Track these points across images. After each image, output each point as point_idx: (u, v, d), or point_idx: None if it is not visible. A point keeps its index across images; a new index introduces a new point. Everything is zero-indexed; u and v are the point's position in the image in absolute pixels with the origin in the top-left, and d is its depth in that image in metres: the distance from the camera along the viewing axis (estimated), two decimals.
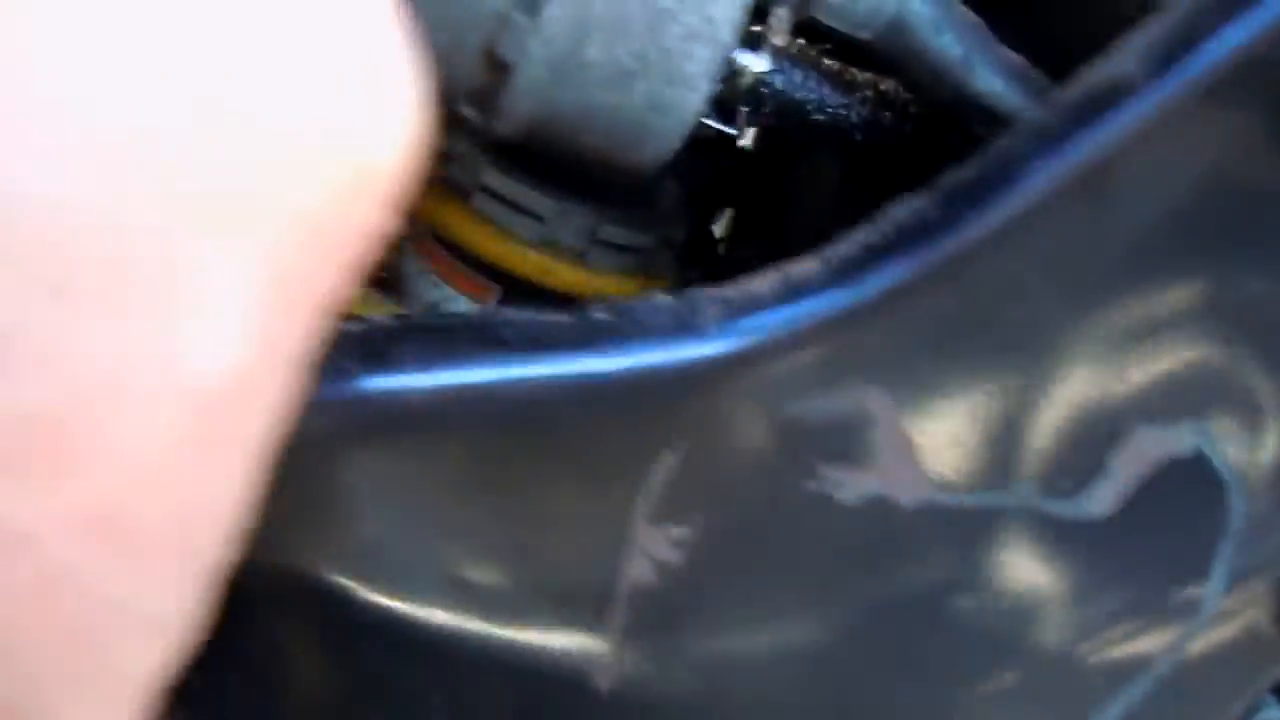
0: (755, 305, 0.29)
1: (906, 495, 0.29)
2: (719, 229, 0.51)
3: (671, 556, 0.30)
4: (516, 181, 0.39)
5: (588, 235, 0.40)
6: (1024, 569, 0.31)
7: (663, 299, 0.30)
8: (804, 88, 0.35)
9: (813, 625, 0.31)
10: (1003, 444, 0.29)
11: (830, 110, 0.36)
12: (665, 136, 0.32)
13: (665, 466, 0.29)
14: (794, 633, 0.30)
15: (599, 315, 0.29)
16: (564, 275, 0.41)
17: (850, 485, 0.29)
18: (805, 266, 0.30)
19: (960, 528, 0.30)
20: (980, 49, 0.34)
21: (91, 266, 0.15)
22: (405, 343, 0.29)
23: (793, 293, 0.30)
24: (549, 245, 0.39)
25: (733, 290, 0.30)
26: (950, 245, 0.29)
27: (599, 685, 0.30)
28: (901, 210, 0.30)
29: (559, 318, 0.30)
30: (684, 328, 0.29)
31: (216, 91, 0.16)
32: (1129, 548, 0.31)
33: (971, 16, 0.34)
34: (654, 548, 0.30)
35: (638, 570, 0.30)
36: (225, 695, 0.31)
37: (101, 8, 0.15)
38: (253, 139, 0.16)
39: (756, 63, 0.33)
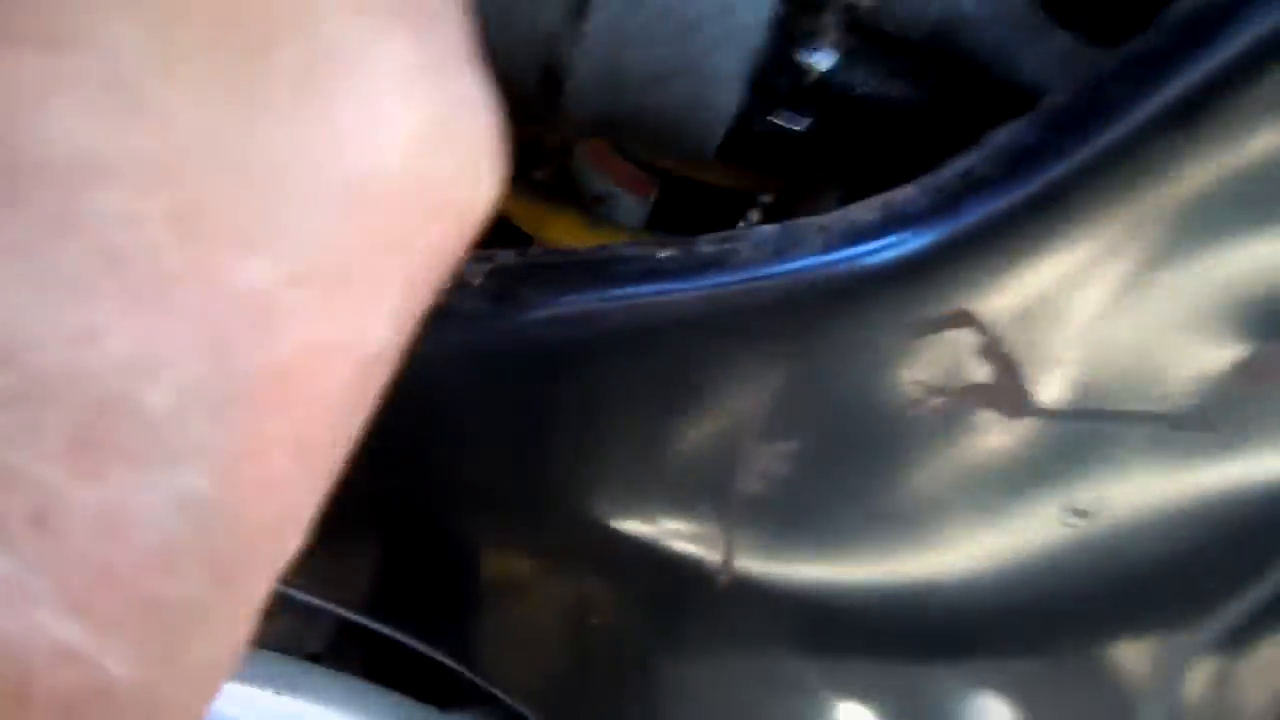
0: (857, 233, 0.31)
1: (1014, 415, 0.31)
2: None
3: (779, 468, 0.32)
4: None
5: None
6: (1144, 491, 0.32)
7: (766, 228, 0.31)
8: (870, 81, 0.36)
9: (905, 517, 0.33)
10: (1110, 364, 0.30)
11: (898, 100, 0.36)
12: (705, 132, 0.34)
13: (771, 387, 0.31)
14: (896, 548, 0.32)
15: (704, 248, 0.31)
16: (717, 171, 0.43)
17: (955, 406, 0.30)
18: (905, 193, 0.30)
19: (1071, 449, 0.31)
20: (1030, 40, 0.33)
21: None
22: (529, 281, 0.32)
23: (894, 219, 0.30)
24: None
25: (834, 218, 0.31)
26: (1052, 170, 0.29)
27: (717, 582, 0.33)
28: (1001, 136, 0.30)
29: (666, 251, 0.31)
30: (786, 257, 0.30)
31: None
32: (1242, 461, 0.32)
33: (1020, 6, 0.34)
34: (763, 461, 0.32)
35: (749, 481, 0.32)
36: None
37: None
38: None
39: (818, 60, 0.35)
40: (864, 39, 0.37)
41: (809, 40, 0.35)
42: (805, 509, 0.32)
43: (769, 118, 0.36)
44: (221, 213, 0.16)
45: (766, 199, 0.46)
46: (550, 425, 0.32)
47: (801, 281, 0.31)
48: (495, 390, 0.32)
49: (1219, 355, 0.30)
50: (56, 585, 0.16)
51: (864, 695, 0.34)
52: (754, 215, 0.46)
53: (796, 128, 0.38)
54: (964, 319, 0.30)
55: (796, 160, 0.45)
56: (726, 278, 0.31)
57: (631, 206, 0.48)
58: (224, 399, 0.17)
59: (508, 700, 0.34)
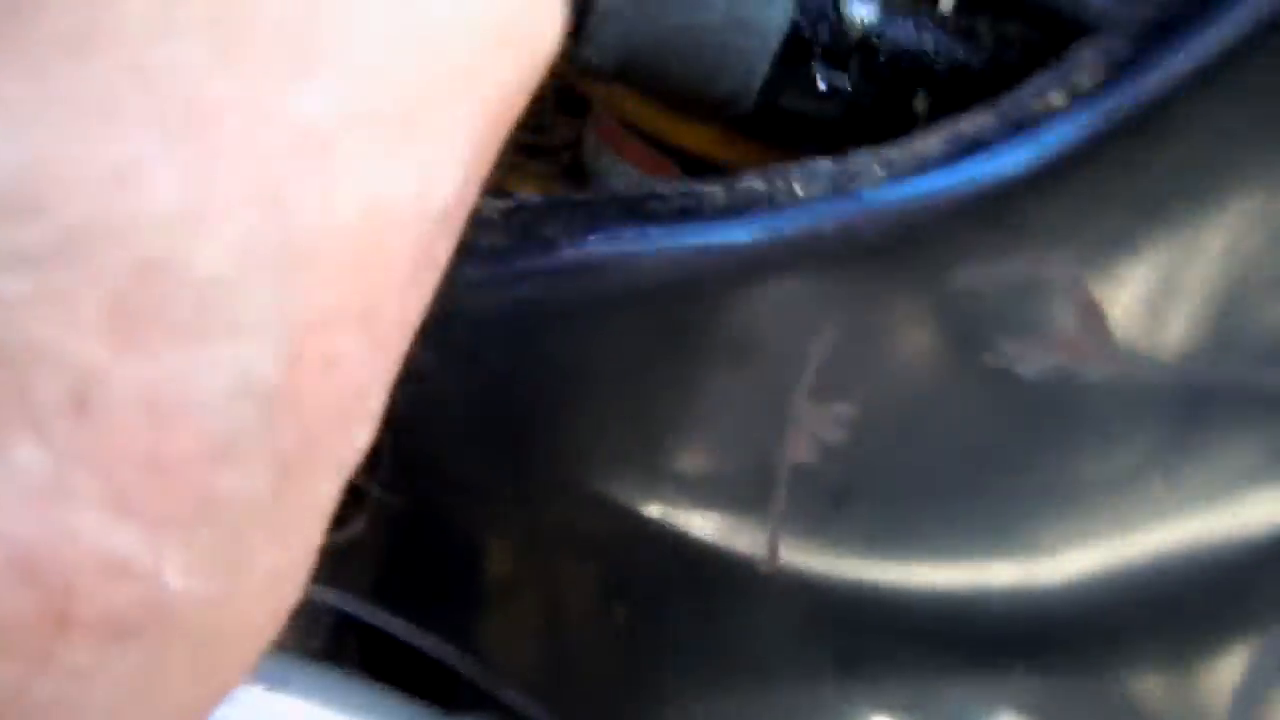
0: (923, 166, 0.27)
1: (1096, 369, 0.27)
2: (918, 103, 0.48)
3: (834, 435, 0.28)
4: None
5: None
6: (1237, 453, 0.28)
7: (821, 162, 0.28)
8: (919, 37, 0.33)
9: (984, 509, 0.29)
10: (1209, 309, 0.26)
11: (948, 57, 0.33)
12: (750, 58, 0.31)
13: (826, 340, 0.27)
14: (963, 517, 0.28)
15: (750, 183, 0.28)
16: (741, 148, 0.39)
17: (1030, 359, 0.27)
18: (978, 120, 0.27)
19: (1159, 406, 0.27)
20: None
21: None
22: (554, 219, 0.28)
23: (964, 150, 0.27)
24: None
25: (898, 150, 0.28)
26: (1146, 87, 0.26)
27: (761, 567, 0.29)
28: (1088, 52, 0.26)
29: (709, 187, 0.28)
30: (843, 193, 0.27)
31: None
32: None
33: None
34: (815, 425, 0.28)
35: (799, 449, 0.29)
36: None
37: None
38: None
39: (864, 12, 0.32)
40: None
41: None
42: (863, 487, 0.29)
43: (806, 75, 0.33)
44: (269, 27, 0.14)
45: None
46: (573, 387, 0.29)
47: (860, 218, 0.27)
48: (515, 340, 0.28)
49: None
50: (102, 481, 0.14)
51: (891, 707, 0.30)
52: None
53: (837, 87, 0.35)
54: (1043, 261, 0.26)
55: (829, 133, 0.42)
56: (777, 216, 0.28)
57: None
58: (284, 261, 0.15)
59: (510, 699, 0.30)
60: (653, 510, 0.29)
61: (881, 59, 0.33)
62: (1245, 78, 0.25)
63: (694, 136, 0.40)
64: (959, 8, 0.36)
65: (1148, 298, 0.26)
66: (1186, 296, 0.26)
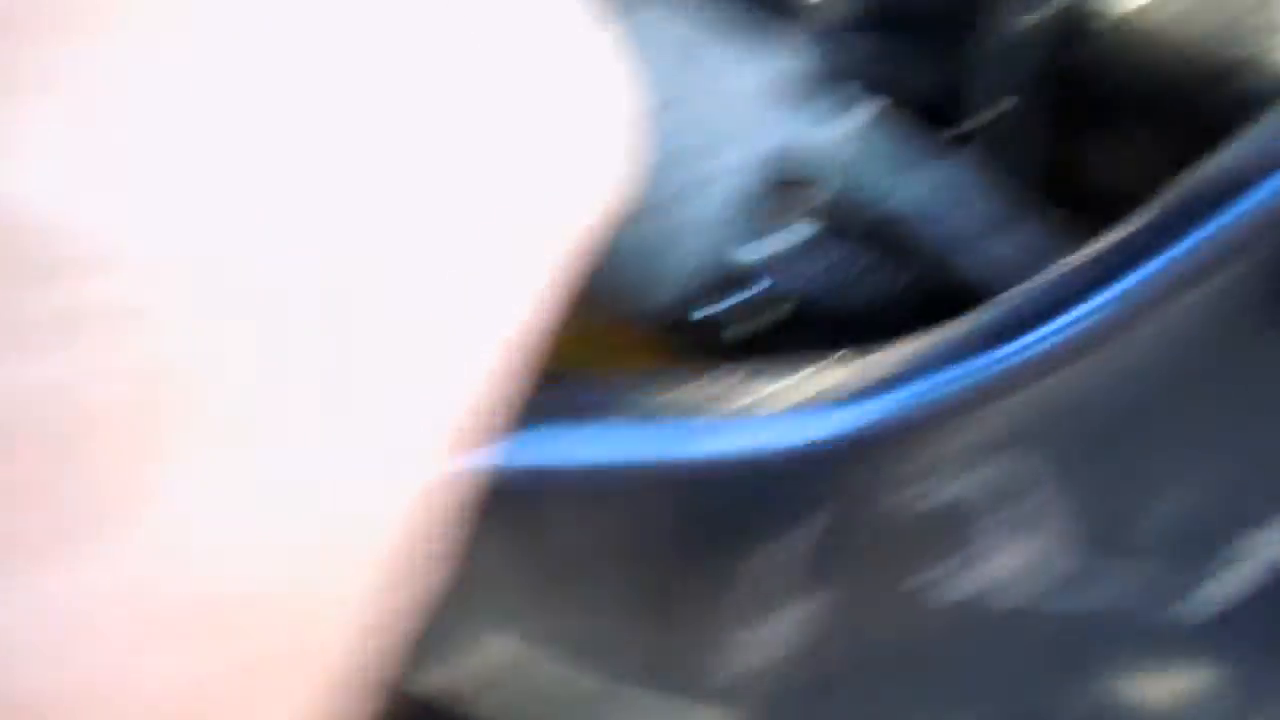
0: (838, 395, 0.27)
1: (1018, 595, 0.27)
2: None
3: (792, 639, 0.27)
4: None
5: None
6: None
7: (723, 381, 0.27)
8: (833, 272, 0.35)
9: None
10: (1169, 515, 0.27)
11: (864, 291, 0.35)
12: (666, 285, 0.31)
13: (780, 549, 0.26)
14: None
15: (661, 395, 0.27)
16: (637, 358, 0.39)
17: (951, 584, 0.27)
18: (950, 332, 0.28)
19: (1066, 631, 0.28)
20: (982, 235, 0.33)
21: None
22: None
23: (939, 359, 0.27)
24: None
25: (874, 357, 0.28)
26: (1083, 315, 0.27)
27: None
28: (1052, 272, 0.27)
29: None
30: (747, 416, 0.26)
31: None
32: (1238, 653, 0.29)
33: (977, 198, 0.33)
34: (772, 630, 0.27)
35: (755, 654, 0.27)
36: None
37: None
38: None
39: (774, 243, 0.33)
40: (826, 226, 0.36)
41: (774, 220, 0.34)
42: (818, 683, 0.28)
43: (714, 300, 0.34)
44: None
45: None
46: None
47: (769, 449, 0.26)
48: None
49: None
50: None
51: None
52: None
53: (741, 313, 0.35)
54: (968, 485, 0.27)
55: (730, 351, 0.42)
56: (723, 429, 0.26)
57: None
58: None
59: None
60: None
61: (777, 290, 0.34)
62: (1171, 320, 0.26)
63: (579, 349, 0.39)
64: (867, 249, 0.37)
65: (1074, 531, 0.27)
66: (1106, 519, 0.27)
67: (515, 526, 0.25)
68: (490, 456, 0.23)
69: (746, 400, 0.26)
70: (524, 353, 0.16)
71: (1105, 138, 0.45)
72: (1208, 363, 0.27)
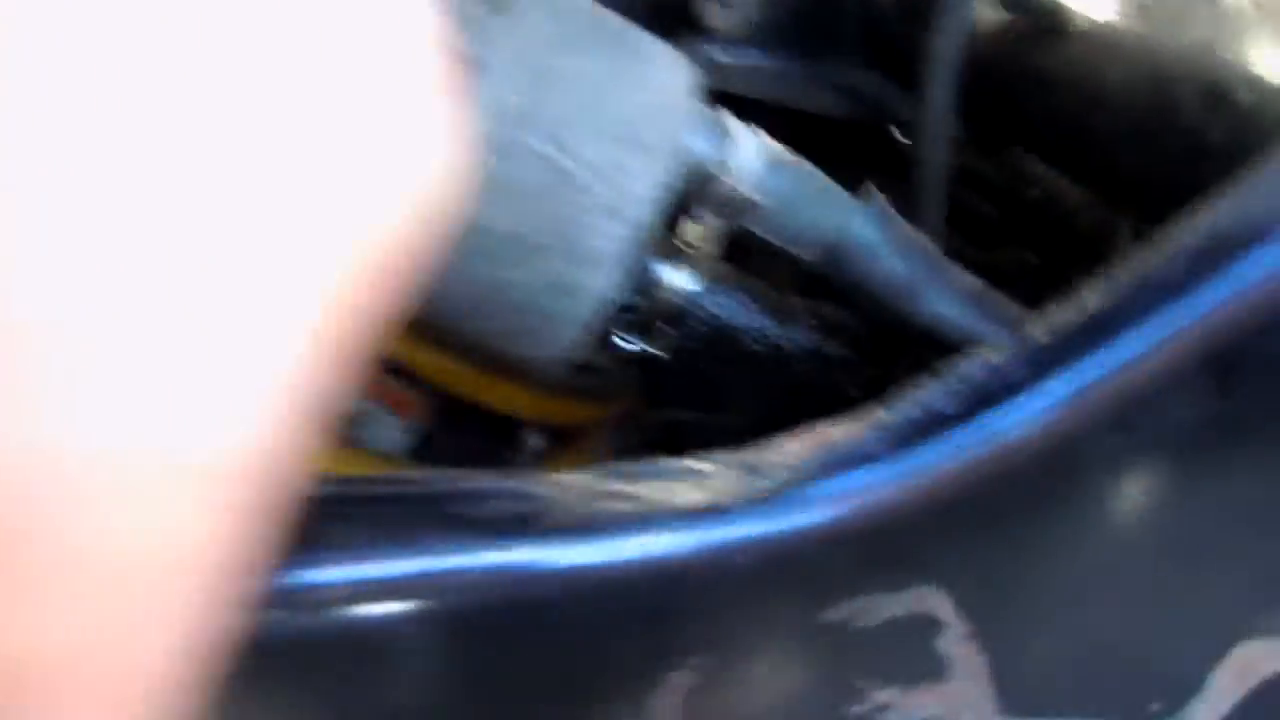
0: (795, 476, 0.24)
1: None
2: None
3: None
4: None
5: None
6: None
7: (676, 463, 0.24)
8: (737, 313, 0.33)
9: None
10: (1087, 661, 0.24)
11: (767, 339, 0.33)
12: (567, 324, 0.28)
13: (678, 682, 0.23)
14: None
15: (608, 499, 0.23)
16: (504, 392, 0.35)
17: (904, 709, 0.24)
18: (850, 432, 0.24)
19: None
20: (929, 274, 0.31)
21: None
22: (348, 521, 0.23)
23: (837, 464, 0.24)
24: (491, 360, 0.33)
25: (760, 456, 0.24)
26: (1033, 412, 0.23)
27: None
28: (973, 366, 0.24)
29: (542, 491, 0.23)
30: (715, 510, 0.23)
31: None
32: None
33: (921, 239, 0.32)
34: None
35: None
36: None
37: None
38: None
39: (679, 278, 0.31)
40: (740, 266, 0.34)
41: (675, 252, 0.31)
42: None
43: (617, 336, 0.31)
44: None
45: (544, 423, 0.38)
46: None
47: (721, 540, 0.23)
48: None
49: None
50: None
51: None
52: (533, 439, 0.38)
53: (641, 349, 0.32)
54: (925, 598, 0.23)
55: (634, 389, 0.39)
56: (634, 535, 0.23)
57: (391, 431, 0.38)
58: None
59: None
60: None
61: (698, 328, 0.32)
62: (1134, 414, 0.23)
63: (456, 377, 0.35)
64: (797, 291, 0.34)
65: (1030, 647, 0.24)
66: (1069, 646, 0.24)
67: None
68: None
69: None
70: (340, 341, 0.15)
71: (1036, 158, 0.42)
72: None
